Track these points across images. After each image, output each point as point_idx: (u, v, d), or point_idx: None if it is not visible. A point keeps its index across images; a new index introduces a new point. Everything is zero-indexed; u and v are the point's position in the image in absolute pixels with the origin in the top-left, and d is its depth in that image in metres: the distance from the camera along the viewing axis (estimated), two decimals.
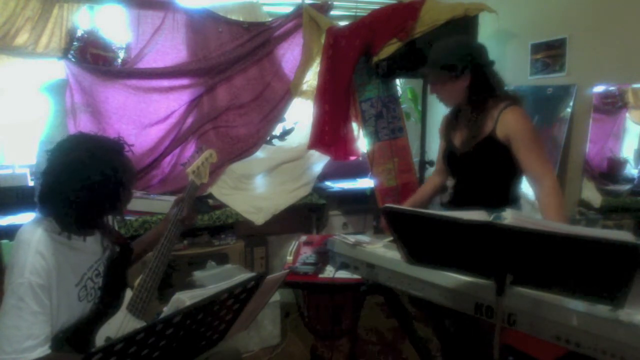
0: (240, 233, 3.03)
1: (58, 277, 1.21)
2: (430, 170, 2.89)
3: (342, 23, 3.02)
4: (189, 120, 3.02)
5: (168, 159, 2.99)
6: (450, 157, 1.92)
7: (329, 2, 3.16)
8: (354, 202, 3.37)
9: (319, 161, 3.28)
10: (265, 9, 3.20)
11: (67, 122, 2.64)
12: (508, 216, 0.99)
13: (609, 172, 2.46)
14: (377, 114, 2.90)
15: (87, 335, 1.27)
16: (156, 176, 2.95)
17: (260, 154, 3.21)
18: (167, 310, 1.20)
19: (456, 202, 1.91)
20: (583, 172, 2.51)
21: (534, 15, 2.81)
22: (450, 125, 1.93)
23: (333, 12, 3.23)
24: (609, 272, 0.92)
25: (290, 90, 3.13)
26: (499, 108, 1.71)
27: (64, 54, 2.62)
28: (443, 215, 1.06)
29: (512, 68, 2.90)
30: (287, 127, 3.31)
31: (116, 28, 2.82)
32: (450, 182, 2.03)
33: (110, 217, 1.43)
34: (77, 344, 1.25)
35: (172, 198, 1.95)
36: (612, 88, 2.40)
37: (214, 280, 2.08)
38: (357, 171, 3.45)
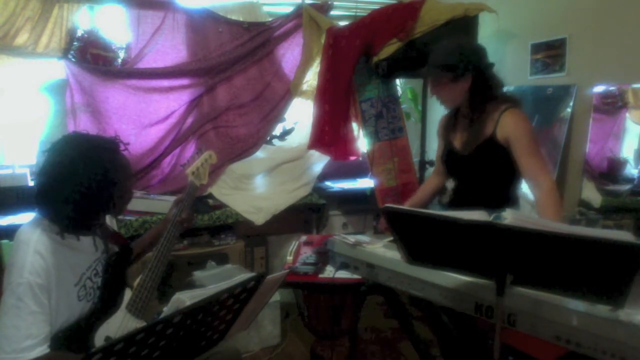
0: (240, 233, 3.02)
1: (57, 277, 1.21)
2: (431, 170, 2.89)
3: (342, 23, 3.02)
4: (189, 120, 3.02)
5: (168, 159, 2.99)
6: (450, 158, 1.92)
7: (329, 2, 3.16)
8: (354, 202, 3.37)
9: (319, 161, 3.28)
10: (265, 9, 3.20)
11: (67, 122, 2.64)
12: (508, 216, 0.99)
13: (609, 172, 2.45)
14: (377, 114, 2.90)
15: (87, 335, 1.27)
16: (156, 176, 2.95)
17: (260, 154, 3.21)
18: (167, 310, 1.20)
19: (456, 203, 1.91)
20: (583, 172, 2.51)
21: (534, 15, 2.81)
22: (448, 126, 1.93)
23: (333, 12, 3.22)
24: (609, 272, 0.92)
25: (290, 90, 3.13)
26: (499, 110, 1.72)
27: (64, 54, 2.62)
28: (443, 215, 1.06)
29: (512, 68, 2.90)
30: (287, 127, 3.31)
31: (116, 28, 2.82)
32: (449, 184, 2.03)
33: (109, 217, 1.43)
34: (76, 343, 1.25)
35: (172, 198, 1.95)
36: (612, 88, 2.40)
37: (214, 280, 2.08)
38: (357, 171, 3.45)
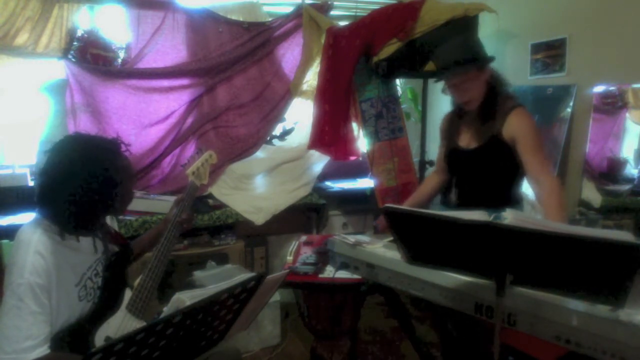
0: (240, 233, 3.02)
1: (58, 277, 1.21)
2: (431, 171, 2.89)
3: (342, 23, 3.02)
4: (189, 120, 3.02)
5: (168, 159, 2.99)
6: (454, 156, 1.91)
7: (329, 2, 3.16)
8: (354, 202, 3.37)
9: (319, 161, 3.28)
10: (265, 9, 3.20)
11: (67, 122, 2.64)
12: (508, 216, 0.99)
13: (609, 172, 2.45)
14: (377, 114, 2.90)
15: (87, 335, 1.27)
16: (156, 176, 2.95)
17: (260, 154, 3.21)
18: (167, 310, 1.20)
19: (459, 202, 1.91)
20: (583, 172, 2.50)
21: (534, 15, 2.81)
22: (453, 125, 1.92)
23: (333, 12, 3.23)
24: (609, 272, 0.92)
25: (290, 90, 3.13)
26: (505, 109, 1.72)
27: (64, 54, 2.62)
28: (443, 215, 1.06)
29: (512, 68, 2.90)
30: (287, 127, 3.31)
31: (116, 28, 2.82)
32: (454, 184, 2.02)
33: (109, 217, 1.43)
34: (76, 343, 1.25)
35: (172, 198, 1.95)
36: (612, 88, 2.40)
37: (214, 280, 2.08)
38: (357, 171, 3.45)
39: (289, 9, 3.12)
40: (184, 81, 2.94)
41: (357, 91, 2.88)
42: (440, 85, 1.85)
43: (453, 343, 1.88)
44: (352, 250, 1.59)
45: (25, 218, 2.44)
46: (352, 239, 1.63)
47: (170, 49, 2.90)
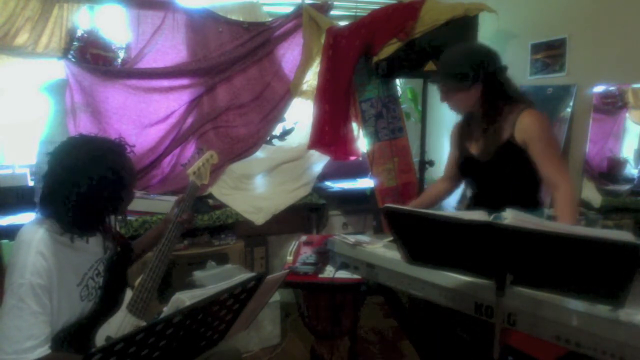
0: (240, 233, 3.02)
1: (59, 278, 1.21)
2: (430, 170, 2.89)
3: (342, 23, 3.01)
4: (189, 120, 3.02)
5: (168, 159, 2.99)
6: (468, 166, 1.86)
7: (329, 2, 3.16)
8: (354, 202, 3.37)
9: (319, 161, 3.28)
10: (265, 9, 3.20)
11: (67, 122, 2.64)
12: (508, 216, 0.99)
13: (609, 172, 2.45)
14: (377, 114, 2.90)
15: (87, 335, 1.27)
16: (156, 176, 2.95)
17: (260, 154, 3.21)
18: (167, 310, 1.20)
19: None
20: (583, 172, 2.50)
21: (534, 15, 2.81)
22: (463, 133, 1.87)
23: (333, 12, 3.22)
24: (609, 272, 0.92)
25: (290, 90, 3.13)
26: (515, 112, 1.67)
27: (64, 54, 2.62)
28: (443, 216, 1.06)
29: (512, 68, 2.84)
30: (287, 127, 3.31)
31: (116, 28, 2.82)
32: (468, 192, 1.99)
33: (111, 217, 1.43)
34: (77, 343, 1.25)
35: (172, 198, 1.96)
36: (612, 88, 2.40)
37: (214, 280, 2.08)
38: (357, 171, 3.45)
39: (289, 9, 3.12)
40: (184, 81, 2.94)
41: (357, 91, 2.88)
42: None
43: (463, 347, 1.85)
44: (352, 250, 1.59)
45: (25, 218, 2.45)
46: (352, 239, 1.63)
47: (170, 49, 2.90)
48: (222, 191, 3.01)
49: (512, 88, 1.74)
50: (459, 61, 1.70)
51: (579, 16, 2.52)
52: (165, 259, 1.50)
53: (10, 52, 2.51)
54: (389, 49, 2.66)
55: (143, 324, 1.37)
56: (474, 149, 1.82)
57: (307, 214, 3.38)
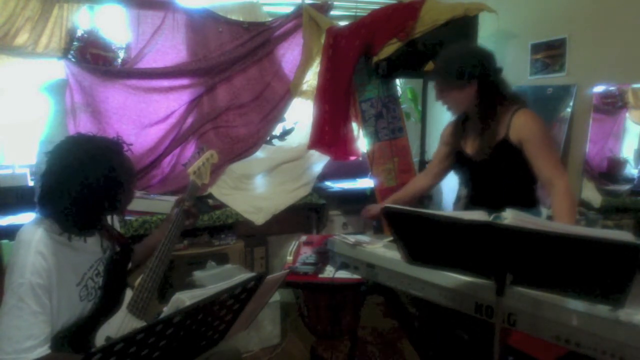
0: (240, 233, 3.02)
1: (59, 277, 1.21)
2: None
3: (342, 23, 3.02)
4: (189, 120, 3.02)
5: (168, 159, 2.99)
6: (463, 166, 1.87)
7: (329, 2, 3.16)
8: (354, 202, 3.36)
9: (319, 161, 3.28)
10: (265, 9, 3.20)
11: (67, 122, 2.64)
12: (508, 216, 0.99)
13: (609, 172, 2.45)
14: (377, 114, 2.90)
15: (87, 335, 1.27)
16: (156, 176, 2.95)
17: (260, 154, 3.21)
18: (167, 310, 1.20)
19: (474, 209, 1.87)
20: (583, 172, 2.50)
21: (534, 15, 2.81)
22: (457, 132, 1.89)
23: (333, 12, 3.22)
24: (609, 272, 0.92)
25: (290, 90, 3.13)
26: (509, 112, 1.68)
27: (64, 54, 2.61)
28: (443, 215, 1.06)
29: (512, 68, 2.89)
30: (287, 127, 3.31)
31: (116, 28, 2.82)
32: (462, 191, 2.00)
33: (110, 217, 1.43)
34: (77, 343, 1.25)
35: (172, 198, 1.95)
36: (612, 88, 2.40)
37: (214, 280, 2.08)
38: (357, 171, 3.45)
39: (289, 9, 3.12)
40: (184, 81, 2.94)
41: (357, 91, 2.88)
42: None
43: (463, 347, 1.85)
44: (352, 250, 1.59)
45: (25, 218, 2.44)
46: (352, 239, 1.63)
47: (170, 49, 2.90)
48: (222, 191, 3.01)
49: (507, 88, 1.76)
50: (455, 60, 1.72)
51: (579, 16, 2.52)
52: (165, 259, 1.50)
53: (10, 52, 2.51)
54: (389, 49, 2.66)
55: (143, 324, 1.37)
56: (469, 149, 1.83)
57: (307, 214, 3.38)
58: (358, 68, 2.79)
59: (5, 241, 2.29)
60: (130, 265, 1.56)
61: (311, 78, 3.13)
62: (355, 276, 1.66)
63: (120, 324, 1.34)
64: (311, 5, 3.07)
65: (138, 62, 2.82)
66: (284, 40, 3.13)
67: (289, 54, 3.15)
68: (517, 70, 2.85)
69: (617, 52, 2.34)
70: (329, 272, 1.83)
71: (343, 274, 1.72)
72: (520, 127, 1.66)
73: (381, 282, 1.50)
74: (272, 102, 3.14)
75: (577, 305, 1.06)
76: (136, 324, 1.37)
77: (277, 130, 3.28)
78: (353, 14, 3.35)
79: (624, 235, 0.86)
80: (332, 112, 2.84)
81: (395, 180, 2.94)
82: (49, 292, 1.19)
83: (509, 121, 1.68)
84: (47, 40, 2.57)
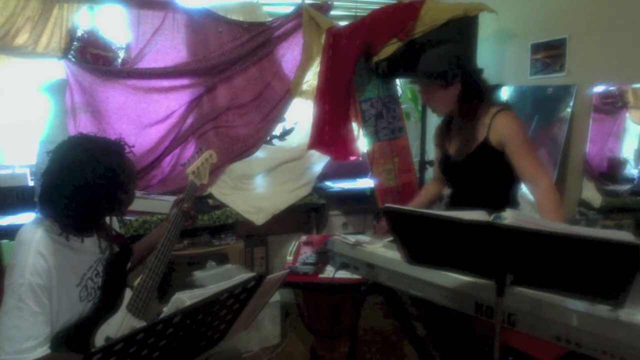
0: (240, 233, 3.02)
1: (58, 278, 1.21)
2: (430, 170, 2.89)
3: (342, 23, 3.02)
4: (189, 120, 3.02)
5: (168, 159, 2.99)
6: (446, 165, 1.93)
7: (329, 2, 3.16)
8: (354, 202, 3.37)
9: (319, 161, 3.28)
10: (265, 9, 3.20)
11: (67, 122, 2.64)
12: (508, 216, 0.99)
13: (609, 172, 2.45)
14: (377, 114, 2.90)
15: (87, 335, 1.27)
16: (156, 176, 2.95)
17: (260, 154, 3.21)
18: (167, 310, 1.20)
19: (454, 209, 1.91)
20: (583, 172, 2.50)
21: (534, 15, 2.81)
22: (443, 134, 1.95)
23: (333, 12, 3.22)
24: (609, 272, 0.92)
25: (290, 90, 3.13)
26: (490, 114, 1.72)
27: (64, 54, 2.61)
28: (443, 215, 1.06)
29: (512, 68, 2.90)
30: (287, 127, 3.31)
31: (116, 28, 2.82)
32: (446, 191, 2.04)
33: (110, 217, 1.43)
34: (76, 343, 1.25)
35: (172, 198, 1.95)
36: (612, 88, 2.40)
37: (214, 280, 2.08)
38: (357, 171, 3.45)
39: (289, 9, 3.12)
40: (184, 81, 2.94)
41: (357, 91, 2.88)
42: None
43: (451, 346, 1.87)
44: (352, 250, 1.59)
45: (25, 218, 2.45)
46: (352, 239, 1.63)
47: (170, 49, 2.90)
48: (222, 191, 3.01)
49: (488, 89, 1.80)
50: (437, 61, 1.76)
51: (579, 16, 2.52)
52: (164, 259, 1.50)
53: (10, 52, 2.51)
54: (389, 49, 2.66)
55: (143, 324, 1.37)
56: (451, 149, 1.88)
57: (307, 214, 3.38)
58: (358, 68, 2.79)
59: (5, 241, 2.29)
60: (129, 264, 1.56)
61: (311, 78, 3.13)
62: (355, 276, 1.66)
63: (120, 323, 1.34)
64: (311, 5, 3.07)
65: (138, 62, 2.82)
66: (284, 40, 3.13)
67: (289, 54, 3.15)
68: (517, 70, 2.85)
69: (617, 52, 2.34)
70: (329, 272, 1.83)
71: (343, 274, 1.72)
72: (500, 129, 1.69)
73: (381, 282, 1.50)
74: (272, 102, 3.14)
75: (577, 305, 1.06)
76: (136, 323, 1.37)
77: (277, 130, 3.27)
78: (353, 14, 3.35)
79: (624, 235, 0.86)
80: (332, 112, 2.84)
81: (395, 180, 2.94)
82: (49, 293, 1.19)
83: (489, 123, 1.71)
84: (47, 40, 2.57)
